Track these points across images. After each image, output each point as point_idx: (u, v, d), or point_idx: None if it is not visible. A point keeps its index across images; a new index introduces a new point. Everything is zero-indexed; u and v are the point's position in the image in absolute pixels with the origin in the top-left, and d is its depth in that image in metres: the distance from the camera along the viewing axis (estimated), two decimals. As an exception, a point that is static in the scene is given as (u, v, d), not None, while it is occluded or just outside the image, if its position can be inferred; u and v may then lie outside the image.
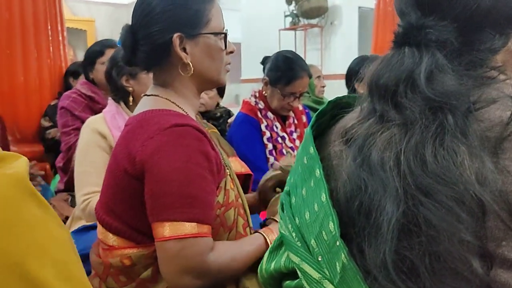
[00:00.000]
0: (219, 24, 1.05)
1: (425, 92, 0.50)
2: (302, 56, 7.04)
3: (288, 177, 0.71)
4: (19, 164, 0.48)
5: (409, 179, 0.47)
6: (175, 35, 0.99)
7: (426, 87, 0.50)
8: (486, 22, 0.54)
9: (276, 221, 1.14)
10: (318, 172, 0.60)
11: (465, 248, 0.44)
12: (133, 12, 1.05)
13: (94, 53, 2.13)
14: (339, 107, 0.68)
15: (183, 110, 1.03)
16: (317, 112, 0.68)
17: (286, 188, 0.69)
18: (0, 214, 0.43)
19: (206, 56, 1.03)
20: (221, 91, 2.42)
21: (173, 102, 1.03)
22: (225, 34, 1.06)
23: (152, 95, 1.06)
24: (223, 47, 1.05)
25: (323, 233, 0.55)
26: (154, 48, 1.01)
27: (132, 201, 0.96)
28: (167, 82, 1.05)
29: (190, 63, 1.01)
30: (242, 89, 6.85)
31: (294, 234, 0.60)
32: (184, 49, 1.01)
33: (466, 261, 0.44)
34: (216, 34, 1.04)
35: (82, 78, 2.36)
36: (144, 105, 1.04)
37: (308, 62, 4.73)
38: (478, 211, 0.44)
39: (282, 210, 0.68)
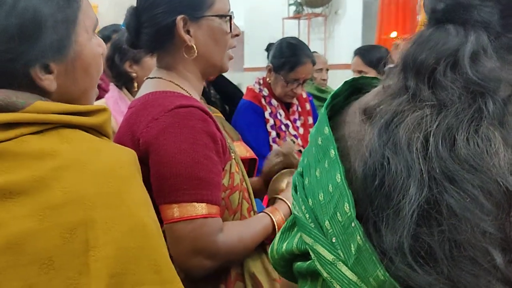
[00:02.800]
0: (223, 7, 1.03)
1: (469, 74, 0.47)
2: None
3: (301, 158, 0.69)
4: (132, 151, 0.67)
5: (435, 163, 0.45)
6: (179, 17, 0.97)
7: (470, 68, 0.47)
8: None
9: (281, 199, 1.14)
10: (333, 152, 0.58)
11: (488, 240, 0.42)
12: None
13: (102, 38, 2.10)
14: (355, 88, 0.66)
15: (187, 92, 1.02)
16: (332, 93, 0.66)
17: (299, 169, 0.68)
18: (126, 172, 0.61)
19: (210, 39, 1.01)
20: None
21: (177, 84, 1.02)
22: (230, 17, 1.04)
23: (155, 77, 1.04)
24: (228, 30, 1.04)
25: (338, 214, 0.54)
26: (157, 30, 1.00)
27: None
28: (171, 65, 1.03)
29: (194, 46, 0.99)
30: (245, 78, 6.83)
31: (307, 216, 0.59)
32: (188, 32, 1.00)
33: (487, 253, 0.42)
34: (220, 16, 1.02)
35: None
36: (147, 88, 1.03)
37: (312, 51, 4.66)
38: (505, 203, 0.43)
39: (295, 191, 0.66)
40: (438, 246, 0.44)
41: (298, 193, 0.64)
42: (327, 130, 0.60)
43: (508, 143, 0.44)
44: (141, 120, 0.93)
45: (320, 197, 0.57)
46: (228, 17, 1.03)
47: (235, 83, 5.30)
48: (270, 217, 1.04)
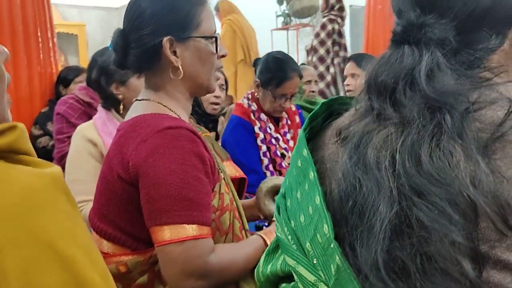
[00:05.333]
0: (210, 28, 1.04)
1: (425, 90, 0.50)
2: (295, 55, 6.98)
3: (284, 179, 0.70)
4: (55, 169, 0.58)
5: (404, 179, 0.47)
6: (165, 38, 0.98)
7: (426, 85, 0.50)
8: (483, 22, 0.54)
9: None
10: (312, 174, 0.60)
11: (457, 250, 0.44)
12: (124, 15, 1.05)
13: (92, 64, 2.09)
14: (332, 108, 0.68)
15: (175, 113, 1.03)
16: (310, 114, 0.68)
17: (281, 190, 0.69)
18: (41, 201, 0.52)
19: (196, 60, 1.03)
20: (227, 89, 2.35)
21: (165, 106, 1.03)
22: (216, 38, 1.05)
23: (143, 99, 1.05)
24: (214, 51, 1.05)
25: (318, 235, 0.55)
26: (144, 51, 1.01)
27: (126, 207, 0.96)
28: (159, 85, 1.04)
29: (180, 67, 1.01)
30: (237, 90, 6.86)
31: (290, 237, 0.60)
32: (175, 52, 1.01)
33: (457, 263, 0.44)
34: (206, 37, 1.03)
35: (74, 86, 2.34)
36: (135, 110, 1.04)
37: (300, 62, 4.61)
38: (471, 213, 0.44)
39: (279, 213, 0.68)
40: (410, 260, 0.45)
41: (281, 215, 0.65)
42: (305, 152, 0.62)
43: (468, 155, 0.45)
44: (130, 142, 0.94)
45: (301, 219, 0.59)
46: (214, 38, 1.05)
47: (228, 95, 5.27)
48: (264, 239, 1.03)
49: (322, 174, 0.61)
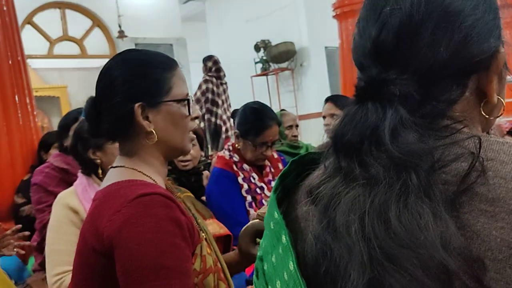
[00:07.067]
0: (181, 91, 1.05)
1: (390, 150, 0.49)
2: (276, 99, 7.09)
3: (261, 241, 0.68)
4: None
5: (374, 243, 0.46)
6: (136, 105, 0.99)
7: (391, 144, 0.49)
8: (443, 74, 0.54)
9: None
10: (285, 238, 0.58)
11: None
12: (96, 84, 1.05)
13: (68, 120, 2.12)
14: (304, 164, 0.67)
15: (151, 178, 1.01)
16: (280, 174, 0.67)
17: (259, 253, 0.67)
18: None
19: (169, 124, 1.03)
20: (201, 144, 2.35)
21: (140, 172, 1.01)
22: (188, 100, 1.06)
23: (118, 166, 1.04)
24: (187, 113, 1.05)
25: None
26: (117, 118, 1.01)
27: (103, 281, 0.92)
28: (133, 151, 1.03)
29: (154, 131, 1.00)
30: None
31: None
32: (147, 118, 1.01)
33: None
34: (178, 101, 1.04)
35: (54, 151, 2.32)
36: (110, 178, 1.02)
37: (282, 104, 4.72)
38: (444, 277, 0.43)
39: (257, 277, 0.65)
40: None
41: (259, 279, 0.63)
42: (276, 214, 0.60)
43: (436, 215, 0.44)
44: (104, 214, 0.92)
45: (277, 285, 0.57)
46: (186, 101, 1.05)
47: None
48: None
49: (297, 234, 0.60)
